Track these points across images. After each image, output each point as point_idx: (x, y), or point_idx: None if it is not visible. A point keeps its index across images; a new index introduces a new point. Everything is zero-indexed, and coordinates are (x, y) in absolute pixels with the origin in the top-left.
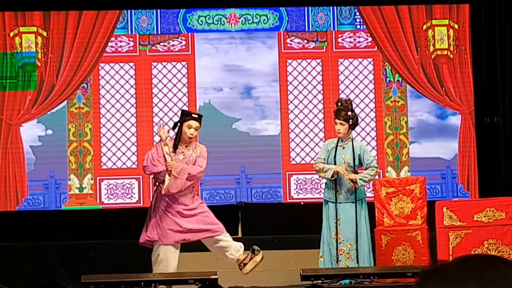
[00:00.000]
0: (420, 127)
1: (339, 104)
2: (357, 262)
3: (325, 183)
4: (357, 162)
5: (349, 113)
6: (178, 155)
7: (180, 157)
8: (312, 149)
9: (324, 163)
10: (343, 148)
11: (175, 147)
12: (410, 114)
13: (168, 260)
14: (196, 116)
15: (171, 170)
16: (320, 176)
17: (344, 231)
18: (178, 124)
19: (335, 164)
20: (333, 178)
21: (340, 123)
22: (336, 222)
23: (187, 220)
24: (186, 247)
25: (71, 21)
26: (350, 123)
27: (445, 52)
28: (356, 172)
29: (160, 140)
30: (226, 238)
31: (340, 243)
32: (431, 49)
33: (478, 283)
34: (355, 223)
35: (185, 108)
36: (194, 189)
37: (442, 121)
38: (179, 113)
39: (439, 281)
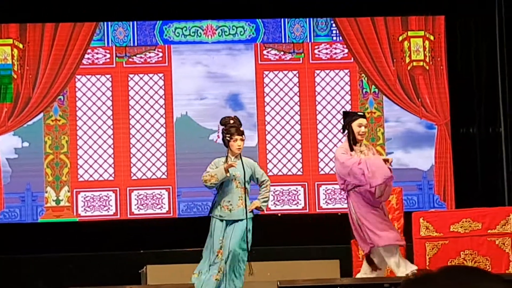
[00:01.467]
0: (396, 138)
1: (231, 122)
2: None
3: (216, 201)
4: (247, 179)
5: (241, 128)
6: (358, 154)
7: (362, 156)
8: (289, 161)
9: None
10: (225, 170)
11: (351, 149)
12: (386, 125)
13: None
14: (362, 113)
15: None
16: (211, 184)
17: (227, 249)
18: (347, 126)
19: (223, 182)
20: (228, 174)
21: (241, 139)
22: (222, 239)
23: None
24: (163, 259)
25: (47, 33)
26: (244, 138)
27: (421, 63)
28: (246, 188)
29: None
30: None
31: (221, 260)
32: (407, 60)
33: None
34: (242, 240)
35: (162, 119)
36: None
37: (418, 132)
38: (156, 125)
39: None
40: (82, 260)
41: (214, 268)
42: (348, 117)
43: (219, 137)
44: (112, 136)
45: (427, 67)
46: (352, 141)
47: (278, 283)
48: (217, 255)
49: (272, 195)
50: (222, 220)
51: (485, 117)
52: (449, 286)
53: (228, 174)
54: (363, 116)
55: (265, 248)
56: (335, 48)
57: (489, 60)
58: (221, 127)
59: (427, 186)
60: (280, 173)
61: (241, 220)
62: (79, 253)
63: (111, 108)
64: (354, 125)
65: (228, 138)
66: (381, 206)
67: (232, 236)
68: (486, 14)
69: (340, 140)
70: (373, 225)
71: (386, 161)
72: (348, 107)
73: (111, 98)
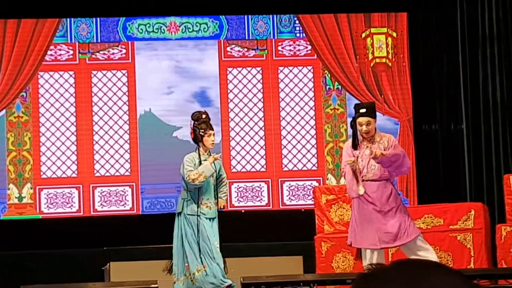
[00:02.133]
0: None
1: (203, 116)
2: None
3: (188, 200)
4: (217, 175)
5: (210, 123)
6: (364, 150)
7: (366, 152)
8: (252, 157)
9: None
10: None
11: (355, 146)
12: (349, 121)
13: None
14: (364, 111)
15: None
16: (199, 183)
17: (204, 246)
18: (353, 122)
19: None
20: (214, 170)
21: (214, 134)
22: (198, 237)
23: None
24: (126, 256)
25: (10, 30)
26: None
27: (384, 60)
28: (217, 185)
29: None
30: None
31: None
32: (370, 57)
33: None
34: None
35: (126, 116)
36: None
37: (381, 128)
38: (119, 122)
39: (374, 285)
40: (45, 257)
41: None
42: (355, 113)
43: (191, 133)
44: (75, 133)
45: (390, 64)
46: (356, 138)
47: (242, 279)
48: (197, 252)
49: (235, 191)
50: (197, 218)
51: (447, 114)
52: (400, 279)
53: (214, 170)
54: (364, 114)
55: (229, 244)
56: (299, 45)
57: (451, 57)
58: (193, 122)
59: None
60: (243, 170)
61: (214, 218)
62: (42, 250)
63: (74, 104)
64: (357, 124)
65: (202, 133)
66: (388, 202)
67: (212, 233)
68: (448, 11)
69: (303, 137)
70: (359, 223)
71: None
72: (311, 104)
73: (74, 94)
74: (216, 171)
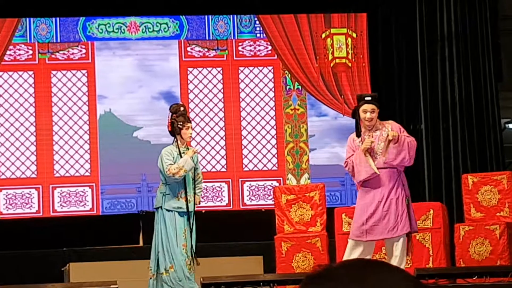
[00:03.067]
0: (319, 135)
1: (182, 109)
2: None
3: (167, 194)
4: (196, 171)
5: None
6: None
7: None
8: (213, 157)
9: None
10: (191, 158)
11: (358, 135)
12: (310, 121)
13: None
14: (369, 98)
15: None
16: (180, 177)
17: (192, 241)
18: (355, 112)
19: None
20: (189, 170)
21: (191, 127)
22: (185, 233)
23: None
24: (86, 257)
25: None
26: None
27: (344, 60)
28: (195, 180)
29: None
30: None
31: (186, 253)
32: (330, 57)
33: (358, 286)
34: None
35: (86, 116)
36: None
37: (341, 128)
38: (79, 122)
39: (322, 285)
40: (3, 258)
41: (183, 261)
42: (358, 102)
43: (169, 125)
44: (34, 133)
45: (350, 64)
46: (359, 127)
47: (202, 280)
48: (183, 248)
49: None
50: (180, 213)
51: (406, 114)
52: (345, 278)
53: (194, 164)
54: (370, 101)
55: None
56: (259, 45)
57: (410, 58)
58: (171, 115)
59: (350, 182)
60: (204, 170)
61: (192, 212)
62: (1, 251)
63: (33, 105)
64: (361, 111)
65: (180, 126)
66: (388, 193)
67: (193, 229)
68: (407, 12)
69: (264, 137)
70: (355, 213)
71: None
72: (271, 104)
73: (33, 94)
74: (195, 164)
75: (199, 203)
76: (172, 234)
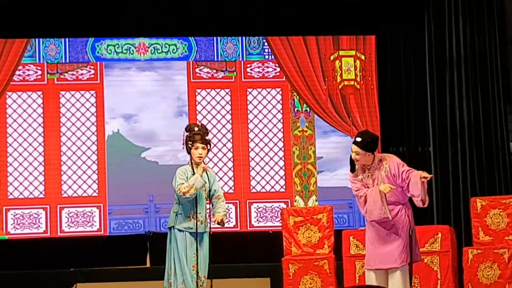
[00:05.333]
0: (327, 157)
1: (196, 129)
2: None
3: (180, 214)
4: (211, 191)
5: (206, 137)
6: (367, 179)
7: (369, 181)
8: (221, 178)
9: None
10: (201, 176)
11: (352, 170)
12: (318, 143)
13: None
14: (357, 139)
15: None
16: (190, 196)
17: (201, 262)
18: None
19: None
20: (205, 182)
21: (203, 147)
22: (196, 253)
23: None
24: (93, 277)
25: None
26: (209, 147)
27: (352, 82)
28: (211, 201)
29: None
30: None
31: (197, 274)
32: (338, 79)
33: None
34: (208, 254)
35: (94, 137)
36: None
37: (349, 150)
38: (87, 143)
39: None
40: (11, 278)
41: (193, 282)
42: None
43: (183, 145)
44: (42, 153)
45: (358, 86)
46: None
47: None
48: (193, 269)
49: None
50: (191, 233)
51: (414, 136)
52: None
53: (205, 182)
54: (354, 142)
55: None
56: (267, 67)
57: (419, 80)
58: (185, 134)
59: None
60: None
61: (205, 232)
62: (8, 271)
63: (42, 125)
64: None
65: (190, 146)
66: (391, 224)
67: (205, 249)
68: (416, 35)
69: (272, 159)
70: (368, 245)
71: (425, 177)
72: (279, 126)
73: (42, 115)
74: (208, 182)
75: (221, 222)
76: (182, 254)
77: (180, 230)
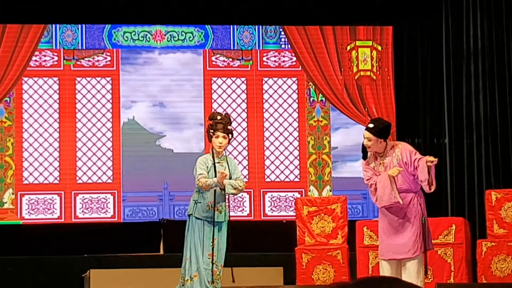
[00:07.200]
0: (342, 147)
1: (218, 117)
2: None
3: (199, 202)
4: (231, 179)
5: (229, 126)
6: (379, 167)
7: (381, 169)
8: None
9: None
10: (221, 165)
11: (364, 157)
12: (333, 133)
13: None
14: (370, 125)
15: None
16: (204, 191)
17: (219, 251)
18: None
19: None
20: (220, 187)
21: (223, 136)
22: (213, 242)
23: None
24: (106, 264)
25: None
26: (230, 137)
27: (368, 73)
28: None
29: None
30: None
31: (213, 264)
32: (355, 69)
33: None
34: (226, 243)
35: (109, 124)
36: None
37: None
38: (103, 129)
39: None
40: (25, 263)
41: (208, 271)
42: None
43: (206, 132)
44: (58, 139)
45: (374, 77)
46: (365, 151)
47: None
48: (209, 257)
49: None
50: (209, 222)
51: (430, 128)
52: None
53: (222, 187)
54: (367, 129)
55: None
56: (284, 56)
57: (435, 71)
58: (209, 122)
59: None
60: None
61: (224, 222)
62: (22, 256)
63: (57, 111)
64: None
65: (211, 134)
66: (403, 212)
67: (223, 238)
68: (433, 26)
69: (286, 148)
70: (380, 234)
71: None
72: (295, 115)
73: (58, 101)
74: (229, 170)
75: (222, 187)
76: (198, 243)
77: (198, 218)
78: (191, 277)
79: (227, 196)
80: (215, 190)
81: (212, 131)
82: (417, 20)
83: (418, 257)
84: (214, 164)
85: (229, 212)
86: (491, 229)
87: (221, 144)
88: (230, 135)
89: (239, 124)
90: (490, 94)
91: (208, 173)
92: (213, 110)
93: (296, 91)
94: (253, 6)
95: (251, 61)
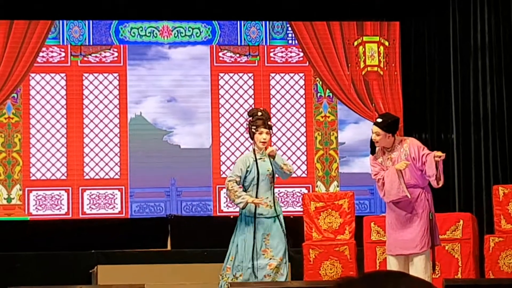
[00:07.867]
0: (350, 142)
1: (259, 113)
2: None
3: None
4: (275, 174)
5: (269, 122)
6: (386, 162)
7: (388, 164)
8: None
9: (239, 183)
10: (264, 161)
11: (372, 152)
12: (340, 129)
13: None
14: (378, 120)
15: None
16: (228, 196)
17: (275, 246)
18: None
19: (258, 178)
20: (242, 208)
21: (267, 132)
22: (267, 238)
23: None
24: (114, 259)
25: (2, 30)
26: (270, 132)
27: (375, 68)
28: (274, 183)
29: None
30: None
31: (270, 258)
32: (362, 65)
33: None
34: (283, 237)
35: (116, 119)
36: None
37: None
38: (110, 125)
39: None
40: (32, 259)
41: (261, 269)
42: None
43: (247, 129)
44: (65, 135)
45: (382, 73)
46: (373, 145)
47: (229, 285)
48: (263, 254)
49: (225, 197)
50: (262, 219)
51: (437, 123)
52: None
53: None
54: (375, 123)
55: (216, 250)
56: (291, 52)
57: (442, 67)
58: (249, 119)
59: None
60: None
61: (274, 217)
62: (30, 252)
63: (65, 107)
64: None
65: (254, 130)
66: (411, 207)
67: (277, 233)
68: (440, 21)
69: (294, 144)
70: (387, 230)
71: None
72: (302, 111)
73: (65, 97)
74: (271, 165)
75: (273, 155)
76: (243, 241)
77: (246, 217)
78: (234, 276)
79: (271, 191)
80: (257, 187)
81: (254, 127)
82: (425, 15)
83: (425, 252)
84: (256, 160)
85: (279, 207)
86: (499, 225)
87: (264, 139)
88: (270, 130)
89: (246, 120)
90: (497, 89)
91: (250, 171)
92: (215, 106)
93: (303, 87)
94: (260, 1)
95: (258, 57)
